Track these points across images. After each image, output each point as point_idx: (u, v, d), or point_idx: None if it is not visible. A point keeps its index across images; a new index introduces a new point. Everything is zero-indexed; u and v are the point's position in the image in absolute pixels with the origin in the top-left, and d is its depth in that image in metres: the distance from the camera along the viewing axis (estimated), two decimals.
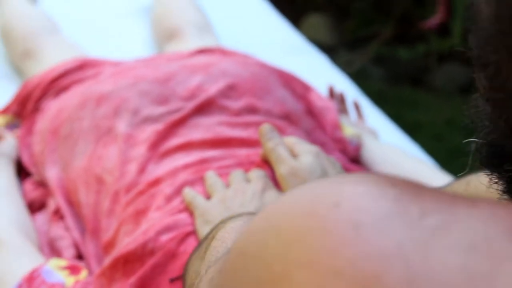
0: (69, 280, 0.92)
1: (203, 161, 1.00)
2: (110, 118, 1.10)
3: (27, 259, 0.97)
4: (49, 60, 1.38)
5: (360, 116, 1.39)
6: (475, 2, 0.34)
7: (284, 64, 1.41)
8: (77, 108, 1.16)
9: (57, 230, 1.06)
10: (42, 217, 1.11)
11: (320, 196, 0.30)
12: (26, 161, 1.22)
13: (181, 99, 1.11)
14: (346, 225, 0.28)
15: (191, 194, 0.91)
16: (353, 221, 0.28)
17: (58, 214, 1.09)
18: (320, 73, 1.61)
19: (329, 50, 3.18)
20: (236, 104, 1.11)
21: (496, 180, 0.38)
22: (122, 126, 1.07)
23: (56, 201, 1.09)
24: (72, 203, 1.09)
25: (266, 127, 0.92)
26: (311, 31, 3.24)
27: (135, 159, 1.02)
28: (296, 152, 0.90)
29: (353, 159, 1.23)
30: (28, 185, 1.18)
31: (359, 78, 2.41)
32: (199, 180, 0.96)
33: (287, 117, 1.14)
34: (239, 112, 1.10)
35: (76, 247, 1.05)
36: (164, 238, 0.88)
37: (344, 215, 0.28)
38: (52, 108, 1.23)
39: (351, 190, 0.29)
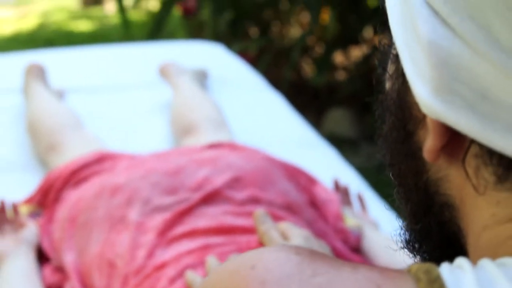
0: None
1: (206, 247, 1.11)
2: (123, 207, 1.22)
3: None
4: (71, 153, 1.53)
5: (363, 208, 1.50)
6: None
7: (295, 157, 1.53)
8: (93, 198, 1.29)
9: None
10: None
11: (244, 261, 0.42)
12: (46, 247, 1.34)
13: (189, 190, 1.23)
14: (257, 281, 0.39)
15: (192, 276, 1.02)
16: (262, 279, 0.39)
17: None
18: (331, 166, 1.73)
19: (351, 143, 3.31)
20: (240, 194, 1.23)
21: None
22: (134, 214, 1.20)
23: (72, 284, 1.21)
24: (87, 287, 1.20)
25: (259, 213, 1.04)
26: (333, 125, 3.38)
27: (144, 245, 1.14)
28: (288, 236, 1.00)
29: (354, 248, 1.32)
30: (48, 270, 1.30)
31: (380, 171, 2.51)
32: (201, 264, 1.07)
33: (289, 208, 1.25)
34: (242, 202, 1.22)
35: None
36: None
37: (256, 274, 0.40)
38: (72, 198, 1.36)
39: (266, 257, 0.41)
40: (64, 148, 1.57)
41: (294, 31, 4.00)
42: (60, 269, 1.29)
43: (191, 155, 1.37)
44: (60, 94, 1.98)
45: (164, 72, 2.01)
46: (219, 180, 1.25)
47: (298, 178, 1.40)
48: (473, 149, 0.41)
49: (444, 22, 0.38)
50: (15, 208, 1.42)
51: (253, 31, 3.97)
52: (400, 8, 0.41)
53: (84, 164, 1.45)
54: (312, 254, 0.41)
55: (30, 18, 5.55)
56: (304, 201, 1.32)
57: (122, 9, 3.99)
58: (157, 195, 1.23)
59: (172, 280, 1.05)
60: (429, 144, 0.42)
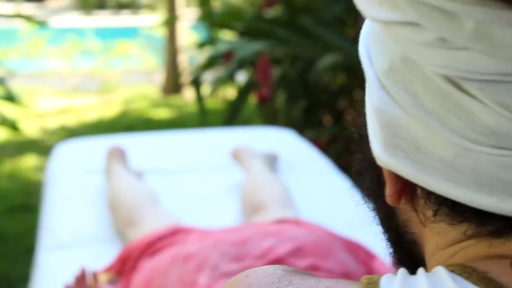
0: None
1: None
2: (194, 273, 1.37)
3: None
4: (148, 227, 1.69)
5: None
6: None
7: (357, 235, 1.66)
8: (167, 265, 1.44)
9: None
10: None
11: (244, 272, 0.55)
12: None
13: (254, 257, 1.38)
14: (246, 285, 0.53)
15: None
16: (249, 284, 0.53)
17: None
18: None
19: None
20: (301, 262, 1.37)
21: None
22: (203, 279, 1.35)
23: None
24: None
25: None
26: None
27: None
28: None
29: None
30: None
31: None
32: None
33: (347, 277, 1.38)
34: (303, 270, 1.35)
35: None
36: None
37: (247, 280, 0.53)
38: (147, 266, 1.52)
39: (258, 270, 0.54)
40: (142, 223, 1.74)
41: None
42: None
43: (257, 228, 1.52)
44: (139, 175, 2.17)
45: (237, 156, 2.18)
46: (282, 249, 1.39)
47: (358, 252, 1.52)
48: (419, 192, 0.52)
49: (387, 92, 0.50)
50: (95, 276, 1.58)
51: (327, 119, 4.13)
52: (367, 84, 0.54)
53: (159, 236, 1.61)
54: (295, 271, 0.54)
55: (113, 105, 5.90)
56: (363, 273, 1.44)
57: (200, 97, 4.25)
58: (224, 262, 1.38)
59: None
60: (388, 190, 0.54)
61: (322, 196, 2.13)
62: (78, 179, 2.22)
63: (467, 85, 0.45)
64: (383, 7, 0.47)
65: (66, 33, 8.21)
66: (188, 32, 6.47)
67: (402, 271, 0.51)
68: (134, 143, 2.46)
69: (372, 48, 0.52)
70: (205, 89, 4.43)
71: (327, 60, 3.44)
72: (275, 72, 3.78)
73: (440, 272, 0.50)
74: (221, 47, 4.15)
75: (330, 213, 2.00)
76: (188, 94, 6.00)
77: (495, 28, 0.42)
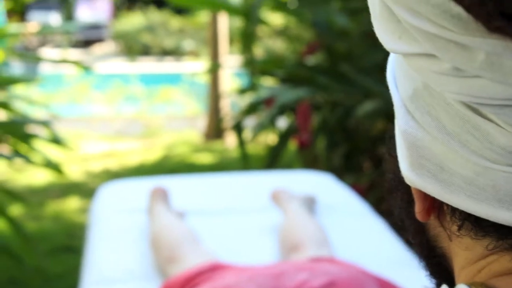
0: None
1: None
2: None
3: None
4: (188, 264, 1.77)
5: None
6: None
7: (392, 275, 1.71)
8: None
9: None
10: None
11: None
12: None
13: None
14: None
15: None
16: None
17: None
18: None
19: None
20: None
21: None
22: None
23: None
24: None
25: None
26: None
27: None
28: None
29: None
30: None
31: None
32: None
33: None
34: None
35: None
36: None
37: None
38: None
39: None
40: (182, 259, 1.81)
41: None
42: None
43: (293, 264, 1.59)
44: (181, 215, 2.26)
45: (276, 198, 2.25)
46: (316, 283, 1.46)
47: None
48: (445, 208, 0.57)
49: (412, 116, 0.54)
50: None
51: (367, 165, 4.17)
52: (395, 109, 0.58)
53: (198, 271, 1.68)
54: None
55: (155, 150, 6.03)
56: None
57: (241, 142, 4.33)
58: None
59: None
60: (417, 207, 0.58)
61: (359, 238, 2.19)
62: (121, 219, 2.31)
63: (483, 110, 0.49)
64: (402, 40, 0.51)
65: (110, 78, 8.43)
66: (231, 78, 6.61)
67: None
68: (176, 185, 2.55)
69: (397, 75, 0.57)
70: (247, 135, 4.53)
71: (367, 106, 3.51)
72: (315, 118, 3.86)
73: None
74: (263, 93, 4.25)
75: (366, 254, 2.05)
76: (230, 140, 6.11)
77: (504, 58, 0.46)
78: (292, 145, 4.29)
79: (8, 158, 3.32)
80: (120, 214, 2.35)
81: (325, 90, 3.76)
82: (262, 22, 4.53)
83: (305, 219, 2.06)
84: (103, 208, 2.44)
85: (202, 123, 6.84)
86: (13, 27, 4.45)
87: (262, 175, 2.83)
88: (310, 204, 2.30)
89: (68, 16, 12.61)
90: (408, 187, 0.60)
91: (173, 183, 2.57)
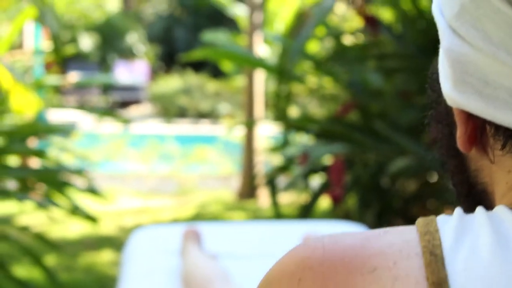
0: None
1: None
2: None
3: None
4: None
5: None
6: None
7: None
8: None
9: None
10: None
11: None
12: None
13: None
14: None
15: None
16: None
17: None
18: None
19: None
20: None
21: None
22: None
23: None
24: None
25: None
26: None
27: None
28: None
29: None
30: None
31: None
32: None
33: None
34: None
35: None
36: None
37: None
38: None
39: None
40: None
41: None
42: None
43: None
44: (213, 258, 2.31)
45: None
46: None
47: None
48: (488, 129, 0.56)
49: (457, 34, 0.55)
50: None
51: (399, 224, 4.19)
52: (440, 36, 0.59)
53: None
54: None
55: (188, 207, 6.09)
56: None
57: (275, 199, 4.39)
58: None
59: None
60: (458, 132, 0.57)
61: None
62: (153, 260, 2.37)
63: None
64: None
65: (146, 138, 8.58)
66: (265, 139, 6.70)
67: (458, 209, 0.54)
68: (209, 231, 2.61)
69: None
70: (281, 197, 4.57)
71: (400, 163, 3.56)
72: (348, 175, 3.92)
73: (500, 209, 0.54)
74: (296, 150, 4.33)
75: None
76: (263, 199, 6.16)
77: None
78: (324, 203, 4.34)
79: (43, 205, 3.40)
80: (153, 255, 2.41)
81: (359, 146, 3.82)
82: (297, 79, 4.64)
83: None
84: (136, 249, 2.50)
85: (235, 183, 6.91)
86: (52, 78, 4.60)
87: (296, 224, 2.88)
88: None
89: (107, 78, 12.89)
90: (449, 117, 0.60)
91: (206, 228, 2.63)
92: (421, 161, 3.55)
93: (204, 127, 10.55)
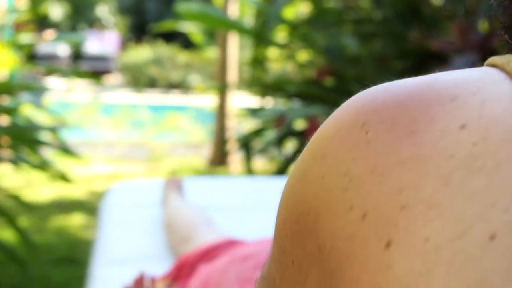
0: None
1: None
2: (252, 271, 1.42)
3: None
4: (204, 242, 1.75)
5: None
6: None
7: None
8: (225, 265, 1.50)
9: None
10: None
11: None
12: None
13: None
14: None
15: None
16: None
17: None
18: None
19: None
20: None
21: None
22: None
23: None
24: None
25: None
26: None
27: None
28: None
29: None
30: None
31: None
32: None
33: None
34: None
35: None
36: None
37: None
38: (204, 270, 1.57)
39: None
40: (197, 238, 1.80)
41: None
42: None
43: None
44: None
45: None
46: None
47: None
48: None
49: None
50: (153, 281, 1.64)
51: None
52: None
53: (216, 245, 1.67)
54: None
55: (158, 173, 6.02)
56: None
57: (249, 167, 4.34)
58: None
59: None
60: None
61: None
62: (134, 212, 2.30)
63: None
64: None
65: (117, 107, 8.47)
66: (238, 107, 6.64)
67: None
68: (188, 185, 2.54)
69: None
70: (255, 163, 4.51)
71: None
72: None
73: None
74: (272, 114, 4.27)
75: None
76: (234, 167, 6.11)
77: None
78: None
79: (15, 162, 3.31)
80: (132, 208, 2.34)
81: (336, 108, 3.77)
82: (273, 44, 4.57)
83: None
84: (115, 202, 2.43)
85: (207, 150, 6.85)
86: (28, 36, 4.48)
87: (278, 179, 2.83)
88: None
89: (77, 47, 12.72)
90: None
91: (186, 183, 2.56)
92: None
93: (175, 97, 10.46)
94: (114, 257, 1.93)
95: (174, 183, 2.26)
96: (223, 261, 1.54)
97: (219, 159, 6.29)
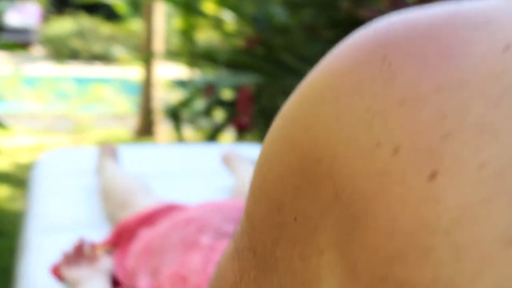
0: None
1: None
2: (196, 234, 1.37)
3: None
4: (143, 207, 1.69)
5: None
6: None
7: None
8: (168, 229, 1.45)
9: None
10: None
11: None
12: (120, 275, 1.48)
13: None
14: None
15: None
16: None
17: None
18: None
19: None
20: None
21: None
22: (206, 239, 1.35)
23: None
24: None
25: None
26: None
27: (216, 262, 1.28)
28: None
29: None
30: None
31: None
32: None
33: None
34: None
35: None
36: None
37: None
38: (146, 234, 1.52)
39: None
40: (136, 204, 1.74)
41: None
42: None
43: None
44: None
45: (226, 160, 2.20)
46: None
47: None
48: None
49: None
50: (92, 246, 1.58)
51: None
52: None
53: (157, 210, 1.61)
54: None
55: (85, 145, 5.89)
56: None
57: (180, 137, 4.27)
58: (226, 223, 1.39)
59: None
60: None
61: None
62: (66, 180, 2.22)
63: None
64: None
65: (40, 79, 8.24)
66: (164, 78, 6.54)
67: None
68: (122, 153, 2.46)
69: None
70: (184, 133, 4.45)
71: None
72: (254, 105, 3.84)
73: None
74: (200, 83, 4.21)
75: None
76: (161, 137, 6.03)
77: None
78: (228, 137, 4.26)
79: None
80: (65, 176, 2.26)
81: (266, 77, 3.75)
82: (200, 13, 4.50)
83: None
84: (45, 171, 2.33)
85: (132, 122, 6.73)
86: None
87: (212, 146, 2.78)
88: None
89: None
90: None
91: (121, 151, 2.49)
92: None
93: (99, 69, 10.23)
94: (50, 225, 1.85)
95: (108, 150, 2.19)
96: (165, 225, 1.49)
97: (145, 130, 6.19)
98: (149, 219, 1.60)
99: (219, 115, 4.51)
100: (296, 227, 0.39)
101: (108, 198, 1.87)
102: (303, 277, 0.39)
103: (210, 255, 1.30)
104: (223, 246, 1.32)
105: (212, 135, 4.03)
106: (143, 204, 1.72)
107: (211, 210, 1.45)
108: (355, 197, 0.35)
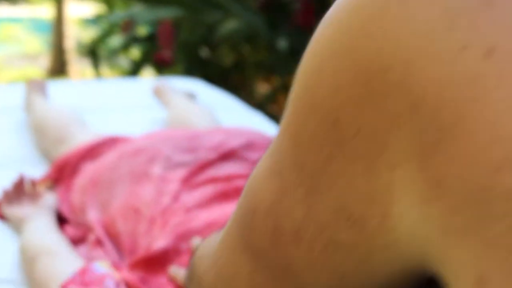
0: (116, 274, 1.09)
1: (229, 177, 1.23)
2: (146, 164, 1.32)
3: (78, 263, 1.15)
4: (83, 141, 1.62)
5: None
6: None
7: None
8: (115, 161, 1.39)
9: (98, 254, 1.24)
10: (83, 248, 1.29)
11: None
12: (65, 211, 1.42)
13: (207, 149, 1.35)
14: None
15: (176, 270, 1.09)
16: None
17: (98, 244, 1.27)
18: None
19: None
20: (254, 155, 1.35)
21: None
22: (157, 169, 1.30)
23: (96, 233, 1.28)
24: (111, 235, 1.27)
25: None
26: None
27: (169, 192, 1.24)
28: None
29: None
30: (69, 228, 1.37)
31: None
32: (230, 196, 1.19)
33: None
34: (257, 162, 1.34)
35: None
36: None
37: None
38: (90, 168, 1.46)
39: None
40: (73, 139, 1.66)
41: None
42: (82, 226, 1.37)
43: (205, 129, 1.50)
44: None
45: (158, 92, 2.13)
46: (234, 143, 1.37)
47: None
48: None
49: None
50: (33, 183, 1.50)
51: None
52: None
53: (98, 143, 1.54)
54: None
55: None
56: None
57: (97, 69, 4.14)
58: (177, 153, 1.34)
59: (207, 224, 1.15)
60: None
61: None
62: None
63: None
64: None
65: None
66: (77, 16, 6.31)
67: None
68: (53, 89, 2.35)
69: None
70: (101, 71, 4.31)
71: (229, 26, 3.45)
72: (176, 40, 3.75)
73: None
74: (118, 18, 4.08)
75: None
76: (74, 76, 5.85)
77: None
78: (147, 74, 4.16)
79: None
80: None
81: (187, 10, 3.64)
82: None
83: (190, 105, 1.96)
84: None
85: (44, 61, 6.49)
86: None
87: (138, 81, 2.70)
88: (191, 98, 2.20)
89: None
90: None
91: (52, 88, 2.37)
92: (249, 25, 3.45)
93: (7, 9, 9.76)
94: None
95: (37, 86, 2.08)
96: (111, 157, 1.43)
97: (58, 69, 5.98)
98: (92, 152, 1.54)
99: (136, 52, 4.40)
100: (357, 141, 0.36)
101: (42, 134, 1.78)
102: (369, 194, 0.36)
103: (162, 186, 1.26)
104: (176, 176, 1.28)
105: (132, 72, 3.93)
106: (82, 138, 1.65)
107: (160, 140, 1.40)
108: (440, 105, 0.32)
